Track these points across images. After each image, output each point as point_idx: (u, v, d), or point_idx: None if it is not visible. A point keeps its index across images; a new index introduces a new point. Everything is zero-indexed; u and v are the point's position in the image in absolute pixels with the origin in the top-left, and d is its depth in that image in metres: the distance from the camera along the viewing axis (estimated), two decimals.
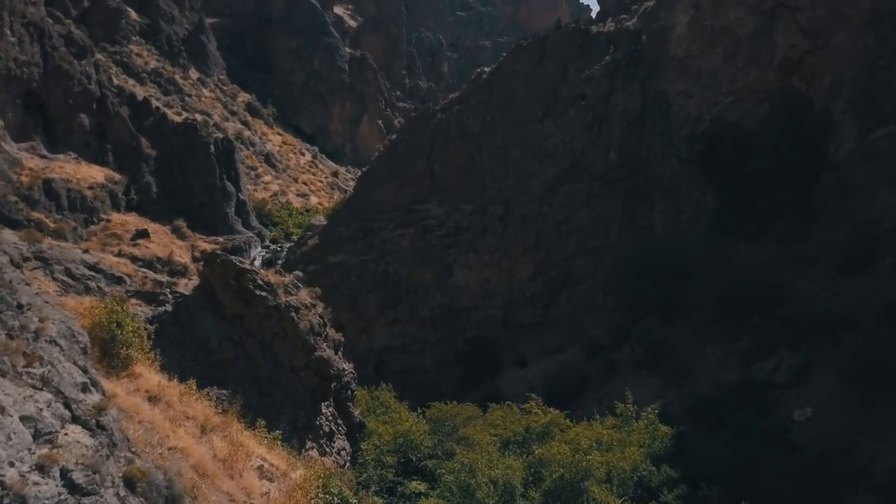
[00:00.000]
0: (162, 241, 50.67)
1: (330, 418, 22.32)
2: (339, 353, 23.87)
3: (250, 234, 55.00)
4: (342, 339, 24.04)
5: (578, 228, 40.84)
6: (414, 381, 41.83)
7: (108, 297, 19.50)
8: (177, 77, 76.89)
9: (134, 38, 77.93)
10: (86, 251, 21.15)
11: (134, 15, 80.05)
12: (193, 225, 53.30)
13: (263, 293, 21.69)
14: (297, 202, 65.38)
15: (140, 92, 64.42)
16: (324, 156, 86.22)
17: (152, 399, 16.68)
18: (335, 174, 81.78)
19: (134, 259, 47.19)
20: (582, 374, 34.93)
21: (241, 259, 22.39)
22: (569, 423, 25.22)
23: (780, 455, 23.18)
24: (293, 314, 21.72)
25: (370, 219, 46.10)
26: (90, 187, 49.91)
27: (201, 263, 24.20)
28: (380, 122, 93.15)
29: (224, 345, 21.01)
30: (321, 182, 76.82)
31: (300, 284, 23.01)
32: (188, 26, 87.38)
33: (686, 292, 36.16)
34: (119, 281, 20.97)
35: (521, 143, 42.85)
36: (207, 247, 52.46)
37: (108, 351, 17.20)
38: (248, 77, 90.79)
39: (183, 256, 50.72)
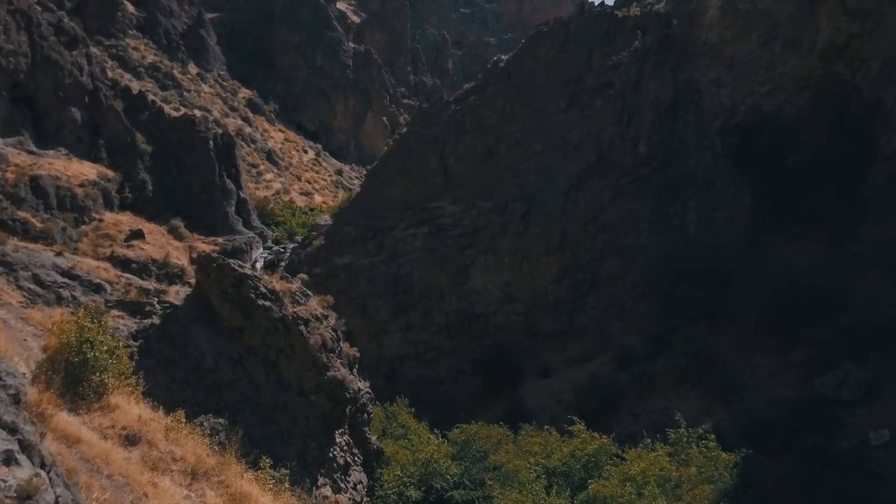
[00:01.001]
0: (157, 241, 47.28)
1: (345, 448, 18.97)
2: (355, 370, 20.52)
3: (251, 234, 51.61)
4: (357, 355, 20.67)
5: (606, 227, 37.49)
6: (428, 393, 38.48)
7: (82, 309, 16.14)
8: (175, 72, 73.49)
9: (131, 32, 74.54)
10: (59, 254, 17.77)
11: (131, 8, 76.62)
12: (191, 225, 49.88)
13: (267, 303, 18.33)
14: (300, 201, 62.00)
15: (136, 86, 61.01)
16: (327, 153, 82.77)
17: (130, 439, 13.29)
18: (339, 172, 78.37)
19: (126, 262, 43.89)
20: (616, 387, 31.53)
21: (240, 263, 19.05)
22: (619, 449, 21.79)
23: (867, 488, 19.84)
24: (302, 328, 18.35)
25: (380, 218, 42.74)
26: (81, 185, 46.51)
27: (196, 260, 20.87)
28: (384, 118, 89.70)
29: (221, 364, 17.66)
30: (325, 180, 73.40)
31: (309, 292, 19.64)
32: (187, 20, 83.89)
33: (728, 297, 32.84)
34: (97, 289, 17.62)
35: (542, 136, 39.49)
36: (206, 248, 49.07)
37: (76, 378, 13.87)
38: (248, 73, 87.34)
39: (180, 258, 47.33)
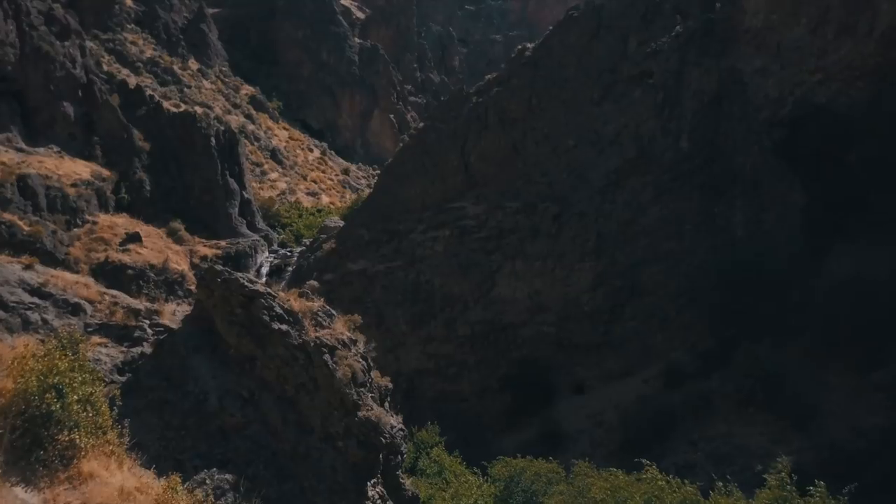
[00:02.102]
0: (156, 245, 43.70)
1: (377, 501, 15.36)
2: (387, 402, 16.91)
3: (256, 237, 47.98)
4: (389, 386, 17.06)
5: (646, 230, 33.90)
6: (450, 411, 34.88)
7: (53, 338, 12.52)
8: (175, 67, 69.86)
9: (129, 27, 70.93)
10: (27, 267, 14.19)
11: (129, 1, 73.05)
12: (192, 227, 46.30)
13: (284, 326, 14.72)
14: (306, 201, 58.38)
15: (133, 80, 57.36)
16: (333, 152, 79.11)
17: None
18: (346, 172, 74.74)
19: (121, 267, 40.32)
20: (667, 410, 27.89)
21: (250, 278, 15.45)
22: (703, 500, 18.04)
23: None
24: (327, 357, 14.74)
25: (396, 219, 39.15)
26: (73, 184, 42.91)
27: (197, 276, 16.85)
28: (392, 116, 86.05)
29: (228, 404, 14.05)
30: (331, 180, 69.75)
31: (333, 311, 16.02)
32: (187, 15, 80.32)
33: (788, 308, 29.25)
34: (75, 310, 14.10)
35: (574, 130, 35.90)
36: (208, 251, 45.52)
37: (37, 438, 10.29)
38: (251, 70, 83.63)
39: (180, 263, 43.76)
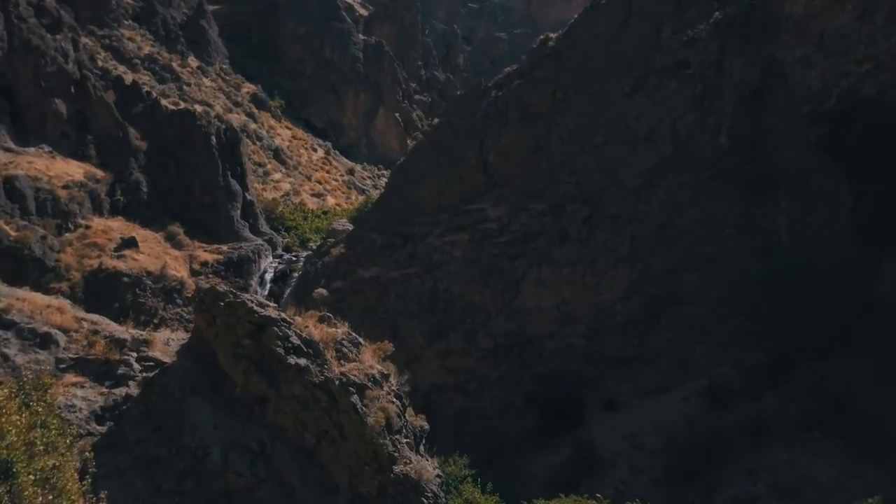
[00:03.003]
0: (153, 250, 40.79)
1: None
2: (422, 445, 14.03)
3: (259, 241, 45.05)
4: (426, 427, 14.15)
5: (684, 233, 31.02)
6: (471, 430, 32.04)
7: (11, 381, 9.61)
8: (174, 65, 66.84)
9: (126, 23, 67.91)
10: None
11: None
12: (192, 231, 43.39)
13: (302, 360, 11.86)
14: (311, 203, 55.43)
15: (130, 77, 54.37)
16: (337, 152, 76.14)
17: None
18: (351, 172, 71.77)
19: (116, 275, 37.41)
20: (716, 432, 24.94)
21: (260, 300, 12.56)
22: None
23: None
24: (355, 398, 11.87)
25: (410, 222, 36.24)
26: (65, 186, 40.00)
27: (195, 298, 13.66)
28: (397, 115, 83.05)
29: (234, 459, 11.19)
30: (336, 181, 66.79)
31: (360, 339, 13.13)
32: (186, 11, 77.28)
33: (846, 319, 26.38)
34: (45, 342, 11.30)
35: (603, 125, 33.00)
36: (209, 257, 42.63)
37: None
38: (253, 67, 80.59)
39: (179, 269, 40.87)
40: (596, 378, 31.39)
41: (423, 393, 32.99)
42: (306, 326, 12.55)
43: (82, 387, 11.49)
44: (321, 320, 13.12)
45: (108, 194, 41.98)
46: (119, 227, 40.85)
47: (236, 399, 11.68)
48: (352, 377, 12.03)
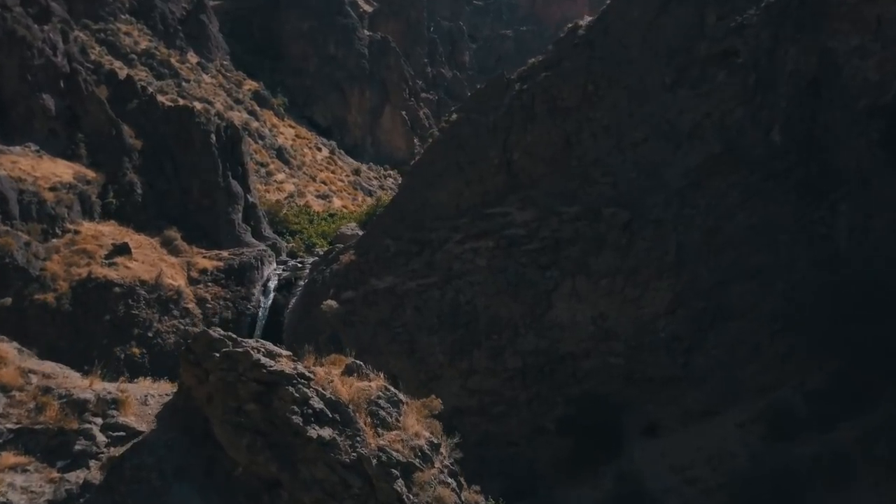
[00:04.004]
0: (148, 258, 37.42)
1: None
2: None
3: (262, 246, 41.66)
4: None
5: (734, 240, 27.69)
6: (496, 457, 28.69)
7: None
8: (172, 60, 63.48)
9: (122, 17, 64.54)
10: None
11: None
12: (190, 236, 40.02)
13: (327, 431, 8.56)
14: (317, 205, 52.06)
15: (125, 71, 50.97)
16: (342, 151, 72.73)
17: None
18: (356, 172, 68.38)
19: (107, 284, 34.06)
20: (786, 468, 21.63)
21: (269, 348, 9.23)
22: None
23: None
24: (400, 484, 8.55)
25: (426, 227, 32.91)
26: (52, 188, 36.66)
27: (181, 347, 9.95)
28: (403, 113, 79.62)
29: None
30: (342, 181, 63.38)
31: (399, 395, 9.81)
32: (186, 5, 73.83)
33: None
34: None
35: (642, 121, 29.69)
36: (208, 264, 39.24)
37: None
38: (254, 64, 77.13)
39: (175, 278, 37.51)
40: (636, 400, 28.08)
41: (442, 416, 29.66)
42: (331, 381, 9.22)
43: (24, 470, 8.17)
44: (349, 371, 9.74)
45: (99, 197, 38.64)
46: (111, 232, 37.51)
47: (237, 485, 8.36)
48: (393, 453, 8.71)
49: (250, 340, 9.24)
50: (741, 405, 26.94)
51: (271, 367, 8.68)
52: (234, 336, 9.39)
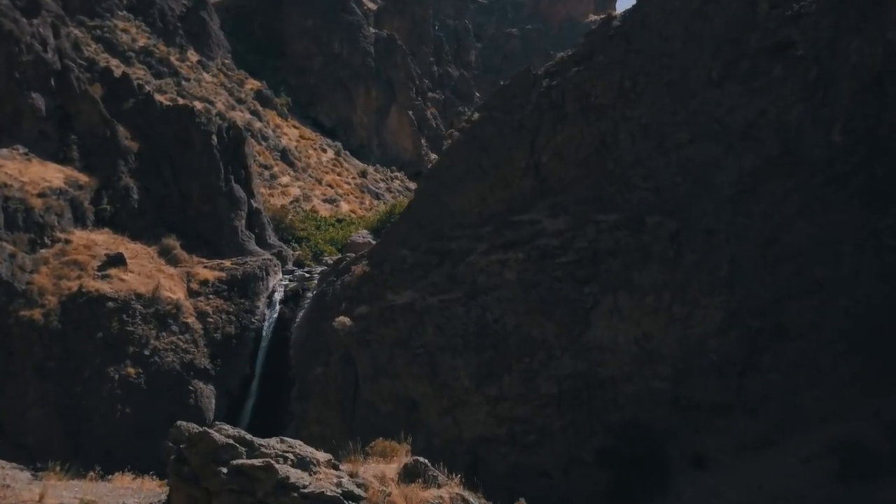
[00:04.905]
0: (144, 268, 34.50)
1: None
2: None
3: (267, 255, 38.73)
4: None
5: (792, 252, 24.73)
6: (528, 492, 25.40)
7: None
8: (172, 58, 60.55)
9: (120, 13, 61.57)
10: None
11: None
12: (190, 244, 37.19)
13: None
14: (323, 209, 49.11)
15: (122, 69, 48.00)
16: (347, 153, 69.78)
17: None
18: (363, 174, 65.43)
19: (99, 299, 31.07)
20: None
21: (299, 450, 6.33)
22: None
23: None
24: None
25: (446, 236, 29.99)
26: (41, 194, 33.78)
27: (169, 464, 7.16)
28: (410, 113, 76.64)
29: None
30: (349, 184, 60.41)
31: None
32: (185, 2, 70.83)
33: None
34: None
35: (686, 120, 26.75)
36: (209, 274, 36.31)
37: None
38: (256, 63, 74.13)
39: (174, 290, 34.59)
40: (683, 430, 25.11)
41: (468, 446, 26.77)
42: (388, 495, 6.30)
43: None
44: (410, 475, 6.77)
45: (91, 203, 35.83)
46: (104, 241, 34.62)
47: None
48: None
49: (273, 442, 6.26)
50: (802, 436, 23.99)
51: (306, 487, 5.74)
52: (247, 437, 6.39)
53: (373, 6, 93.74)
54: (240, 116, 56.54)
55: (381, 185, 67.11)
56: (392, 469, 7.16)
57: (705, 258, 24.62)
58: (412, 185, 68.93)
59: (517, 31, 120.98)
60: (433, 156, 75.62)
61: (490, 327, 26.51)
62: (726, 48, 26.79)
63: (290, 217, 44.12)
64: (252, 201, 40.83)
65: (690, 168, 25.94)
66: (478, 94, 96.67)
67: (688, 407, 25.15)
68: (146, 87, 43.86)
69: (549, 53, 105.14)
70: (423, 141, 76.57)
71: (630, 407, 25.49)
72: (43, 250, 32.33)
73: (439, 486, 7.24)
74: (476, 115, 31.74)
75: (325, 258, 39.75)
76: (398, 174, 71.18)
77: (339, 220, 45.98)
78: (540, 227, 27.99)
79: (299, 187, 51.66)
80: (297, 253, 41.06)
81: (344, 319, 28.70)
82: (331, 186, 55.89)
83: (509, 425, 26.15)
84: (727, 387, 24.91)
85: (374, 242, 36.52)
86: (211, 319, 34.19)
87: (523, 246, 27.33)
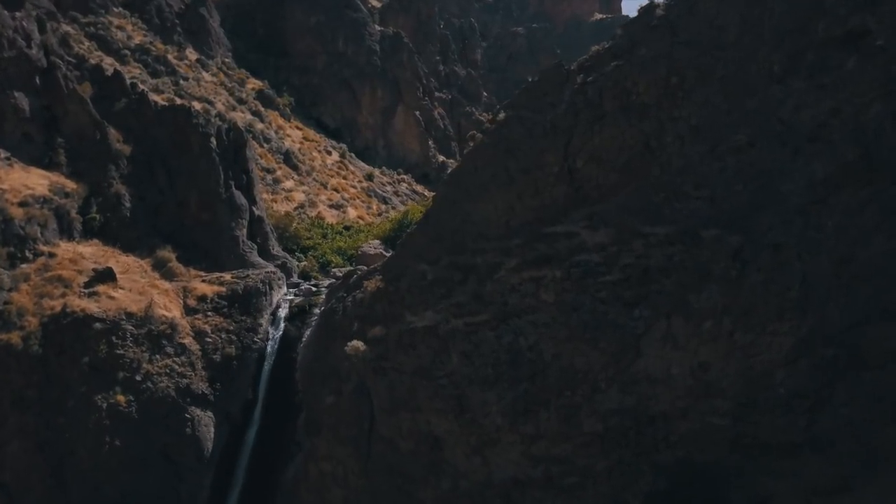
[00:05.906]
0: (136, 284, 31.16)
1: None
2: None
3: (271, 267, 35.41)
4: None
5: (871, 270, 21.40)
6: None
7: None
8: (169, 57, 57.31)
9: (115, 10, 58.31)
10: None
11: None
12: (187, 256, 33.91)
13: None
14: (330, 216, 45.84)
15: (118, 68, 44.65)
16: (352, 155, 66.57)
17: None
18: (369, 177, 62.16)
19: (85, 320, 27.71)
20: None
21: None
22: None
23: None
24: None
25: (469, 249, 26.65)
26: (22, 203, 30.46)
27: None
28: (417, 113, 73.42)
29: None
30: (355, 188, 57.13)
31: None
32: None
33: None
34: None
35: (744, 120, 23.42)
36: (208, 290, 32.97)
37: None
38: (258, 63, 71.01)
39: (170, 308, 31.26)
40: (745, 471, 21.87)
41: (499, 489, 23.48)
42: None
43: None
44: None
45: (79, 212, 32.57)
46: (93, 253, 31.33)
47: None
48: None
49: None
50: (882, 480, 20.78)
51: None
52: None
53: (377, 3, 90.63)
54: (240, 117, 53.26)
55: (388, 188, 63.87)
56: None
57: (773, 277, 21.29)
58: (420, 189, 65.72)
59: (523, 30, 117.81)
60: (441, 157, 72.44)
61: (524, 355, 23.20)
62: (789, 38, 23.44)
63: (294, 225, 40.80)
64: (254, 208, 37.52)
65: (751, 175, 22.61)
66: (485, 94, 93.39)
67: (750, 446, 21.86)
68: (140, 85, 40.50)
69: (556, 52, 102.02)
70: (430, 142, 73.39)
71: (684, 446, 22.19)
72: (24, 265, 29.07)
73: None
74: (502, 115, 28.36)
75: (334, 270, 36.45)
76: (405, 177, 67.95)
77: (346, 228, 42.69)
78: (578, 240, 24.65)
79: (304, 192, 48.37)
80: (303, 264, 37.75)
81: (357, 344, 25.40)
82: (337, 191, 52.62)
83: (546, 466, 22.85)
84: (796, 424, 21.59)
85: (387, 254, 33.21)
86: (209, 339, 30.89)
87: (560, 262, 23.99)
